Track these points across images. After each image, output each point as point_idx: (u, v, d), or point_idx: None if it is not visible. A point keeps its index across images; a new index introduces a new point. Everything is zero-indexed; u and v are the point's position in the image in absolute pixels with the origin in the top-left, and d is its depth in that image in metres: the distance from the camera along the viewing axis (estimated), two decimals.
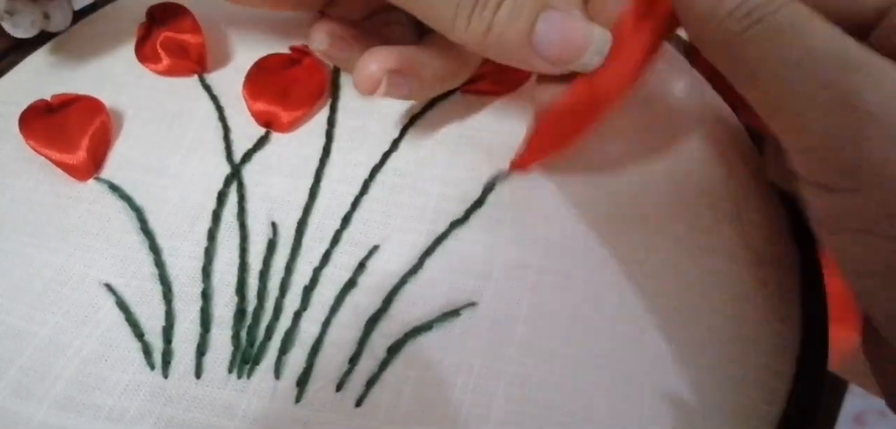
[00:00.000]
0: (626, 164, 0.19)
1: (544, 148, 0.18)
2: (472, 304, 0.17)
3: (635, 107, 0.20)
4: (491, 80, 0.20)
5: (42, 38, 0.22)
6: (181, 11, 0.22)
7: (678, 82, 0.21)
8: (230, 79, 0.21)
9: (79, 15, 0.24)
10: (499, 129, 0.20)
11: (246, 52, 0.22)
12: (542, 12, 0.15)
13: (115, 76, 0.21)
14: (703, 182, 0.19)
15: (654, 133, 0.20)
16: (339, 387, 0.15)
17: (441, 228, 0.18)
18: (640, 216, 0.18)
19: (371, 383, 0.15)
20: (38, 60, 0.22)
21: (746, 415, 0.15)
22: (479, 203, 0.18)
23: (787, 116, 0.13)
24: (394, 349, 0.16)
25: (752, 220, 0.18)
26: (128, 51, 0.22)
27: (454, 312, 0.16)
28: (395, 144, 0.20)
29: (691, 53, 0.21)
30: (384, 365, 0.16)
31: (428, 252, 0.17)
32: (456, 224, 0.18)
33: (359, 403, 0.15)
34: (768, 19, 0.13)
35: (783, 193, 0.19)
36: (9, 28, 0.20)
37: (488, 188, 0.19)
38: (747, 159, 0.20)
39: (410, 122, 0.20)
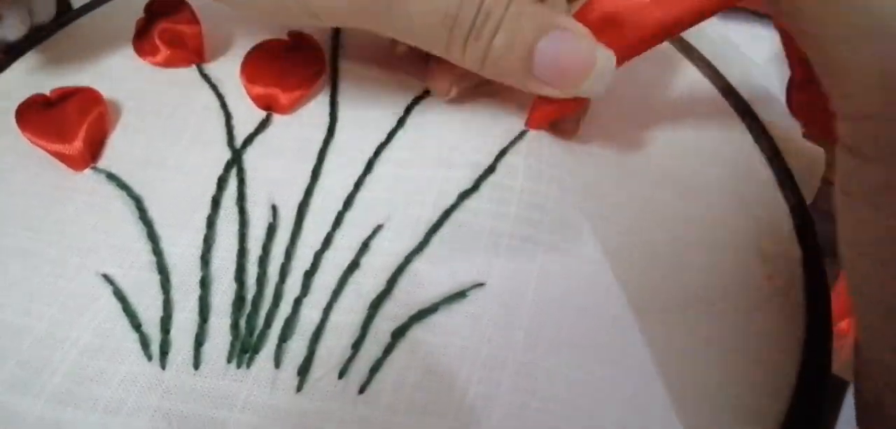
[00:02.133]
0: (638, 154, 0.19)
1: (553, 107, 0.17)
2: (480, 284, 0.16)
3: (650, 105, 0.20)
4: None
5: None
6: (179, 2, 0.22)
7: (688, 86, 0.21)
8: (229, 67, 0.21)
9: (78, 12, 0.24)
10: (511, 96, 0.19)
11: (244, 41, 0.21)
12: (543, 37, 0.15)
13: (113, 70, 0.21)
14: (709, 180, 0.19)
15: (666, 132, 0.20)
16: (341, 374, 0.15)
17: (449, 200, 0.17)
18: (647, 213, 0.18)
19: (374, 369, 0.15)
20: (35, 55, 0.22)
21: (749, 413, 0.15)
22: (490, 170, 0.17)
23: (841, 83, 0.12)
24: (398, 334, 0.15)
25: (756, 218, 0.18)
26: (126, 45, 0.22)
27: (461, 294, 0.15)
28: (401, 122, 0.19)
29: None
30: (388, 350, 0.15)
31: (435, 228, 0.17)
32: (465, 195, 0.17)
33: (362, 390, 0.14)
34: None
35: (788, 192, 0.19)
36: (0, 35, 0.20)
37: (501, 154, 0.18)
38: (753, 159, 0.19)
39: (416, 99, 0.19)
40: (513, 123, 0.18)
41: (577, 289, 0.16)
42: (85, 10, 0.23)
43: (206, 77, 0.21)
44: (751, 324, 0.16)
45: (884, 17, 0.11)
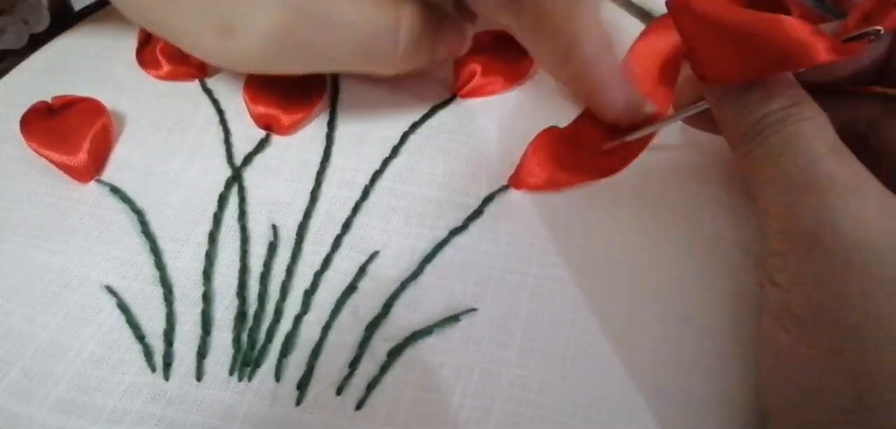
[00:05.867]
0: (625, 180, 0.19)
1: (540, 177, 0.19)
2: (472, 309, 0.17)
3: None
4: (482, 77, 0.21)
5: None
6: None
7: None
8: (231, 82, 0.21)
9: (80, 15, 0.24)
10: (498, 138, 0.20)
11: None
12: None
13: (115, 79, 0.21)
14: (700, 188, 0.19)
15: (654, 149, 0.20)
16: (339, 390, 0.16)
17: (441, 235, 0.18)
18: (637, 222, 0.19)
19: (371, 386, 0.16)
20: (38, 62, 0.22)
21: (744, 414, 0.15)
22: (477, 213, 0.18)
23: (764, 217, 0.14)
24: (394, 353, 0.16)
25: (750, 223, 0.18)
26: (129, 53, 0.22)
27: (454, 318, 0.17)
28: (395, 151, 0.20)
29: None
30: (384, 369, 0.16)
31: (428, 259, 0.18)
32: (455, 232, 0.18)
33: (359, 406, 0.15)
34: (768, 138, 0.14)
35: None
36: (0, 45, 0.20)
37: (487, 200, 0.19)
38: None
39: (411, 128, 0.20)
40: (497, 172, 0.19)
41: (567, 307, 0.17)
42: (85, 13, 0.23)
43: (208, 91, 0.21)
44: (742, 329, 0.16)
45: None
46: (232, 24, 0.16)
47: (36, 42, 0.22)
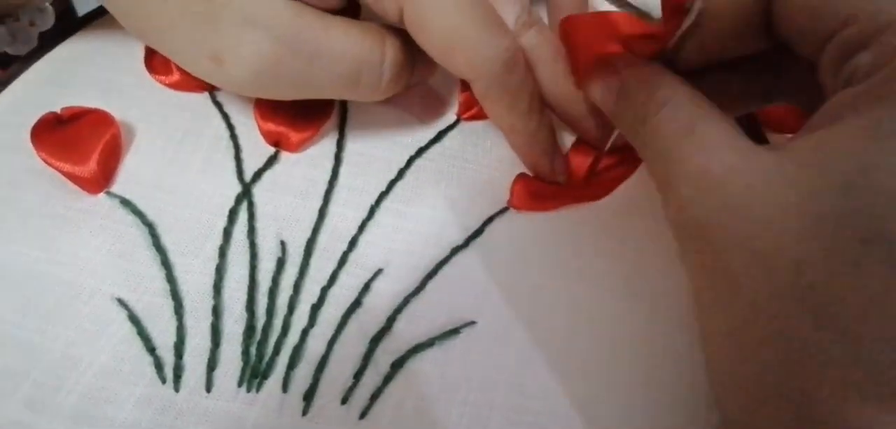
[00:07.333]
0: (620, 196, 0.20)
1: (532, 203, 0.20)
2: (472, 322, 0.18)
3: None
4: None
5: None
6: None
7: None
8: (240, 97, 0.22)
9: (84, 19, 0.24)
10: (499, 160, 0.21)
11: None
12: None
13: (124, 89, 0.22)
14: None
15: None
16: (344, 401, 0.16)
17: (443, 253, 0.19)
18: (633, 235, 0.20)
19: (375, 396, 0.16)
20: (44, 70, 0.22)
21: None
22: (478, 233, 0.19)
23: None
24: (397, 365, 0.17)
25: None
26: (136, 61, 0.22)
27: (454, 330, 0.17)
28: (400, 174, 0.20)
29: None
30: (388, 379, 0.17)
31: (430, 275, 0.18)
32: (457, 250, 0.19)
33: (363, 415, 0.16)
34: (636, 139, 0.15)
35: None
36: (13, 51, 0.20)
37: (487, 221, 0.20)
38: None
39: (417, 153, 0.21)
40: (498, 193, 0.20)
41: (565, 316, 0.18)
42: (91, 17, 0.23)
43: (217, 105, 0.22)
44: None
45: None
46: (222, 55, 0.17)
47: (39, 46, 0.22)
